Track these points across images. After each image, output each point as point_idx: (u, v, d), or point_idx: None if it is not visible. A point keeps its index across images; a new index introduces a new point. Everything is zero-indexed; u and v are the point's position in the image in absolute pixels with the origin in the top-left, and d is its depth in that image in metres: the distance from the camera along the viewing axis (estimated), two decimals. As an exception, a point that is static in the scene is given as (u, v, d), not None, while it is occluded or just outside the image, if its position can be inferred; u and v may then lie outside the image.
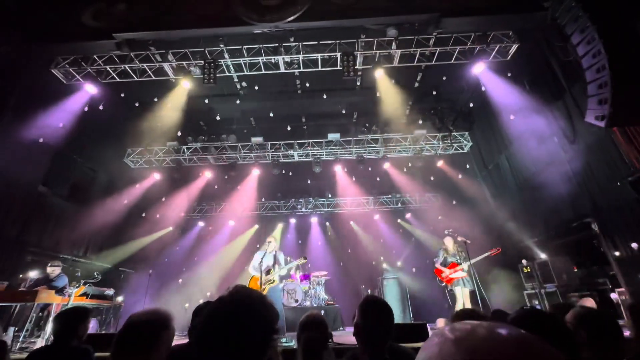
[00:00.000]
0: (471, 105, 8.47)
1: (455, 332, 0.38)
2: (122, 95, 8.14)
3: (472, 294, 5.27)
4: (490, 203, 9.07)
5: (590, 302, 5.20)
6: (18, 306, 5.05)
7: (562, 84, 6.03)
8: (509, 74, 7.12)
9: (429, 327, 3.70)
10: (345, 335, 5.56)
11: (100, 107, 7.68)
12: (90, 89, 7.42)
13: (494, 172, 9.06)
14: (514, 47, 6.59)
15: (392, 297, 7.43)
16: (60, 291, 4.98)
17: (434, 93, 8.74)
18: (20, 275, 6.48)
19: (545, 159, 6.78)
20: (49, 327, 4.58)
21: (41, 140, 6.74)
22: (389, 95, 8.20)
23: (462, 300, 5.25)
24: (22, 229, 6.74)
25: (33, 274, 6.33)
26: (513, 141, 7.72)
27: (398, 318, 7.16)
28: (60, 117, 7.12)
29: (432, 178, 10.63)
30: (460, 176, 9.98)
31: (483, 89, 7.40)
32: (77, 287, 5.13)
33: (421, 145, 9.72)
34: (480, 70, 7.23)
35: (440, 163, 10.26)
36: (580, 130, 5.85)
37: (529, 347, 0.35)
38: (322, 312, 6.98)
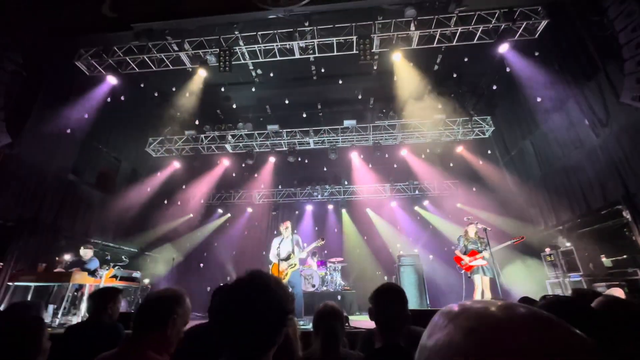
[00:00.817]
0: (494, 87, 8.07)
1: (465, 320, 0.34)
2: (142, 85, 8.34)
3: (492, 282, 5.18)
4: (512, 190, 8.75)
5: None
6: (56, 286, 5.45)
7: (595, 62, 5.61)
8: (537, 53, 6.70)
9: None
10: (361, 320, 5.65)
11: (122, 98, 7.92)
12: (111, 80, 7.64)
13: (517, 158, 8.70)
14: (543, 24, 6.18)
15: (408, 283, 7.41)
16: (92, 273, 5.32)
17: (455, 76, 8.39)
18: (57, 258, 6.95)
19: (573, 143, 6.42)
20: (84, 305, 4.93)
21: (68, 131, 7.05)
22: (407, 79, 7.95)
23: (482, 288, 5.18)
24: (56, 215, 7.17)
25: (68, 257, 6.77)
26: (539, 125, 7.34)
27: (415, 304, 7.17)
28: (84, 108, 7.40)
29: (451, 164, 10.35)
30: (480, 162, 9.66)
31: (507, 70, 7.02)
32: (107, 270, 5.45)
33: (440, 131, 9.43)
34: (505, 50, 6.85)
35: (460, 149, 9.95)
36: (614, 112, 5.47)
37: (550, 329, 0.31)
38: (339, 297, 7.10)
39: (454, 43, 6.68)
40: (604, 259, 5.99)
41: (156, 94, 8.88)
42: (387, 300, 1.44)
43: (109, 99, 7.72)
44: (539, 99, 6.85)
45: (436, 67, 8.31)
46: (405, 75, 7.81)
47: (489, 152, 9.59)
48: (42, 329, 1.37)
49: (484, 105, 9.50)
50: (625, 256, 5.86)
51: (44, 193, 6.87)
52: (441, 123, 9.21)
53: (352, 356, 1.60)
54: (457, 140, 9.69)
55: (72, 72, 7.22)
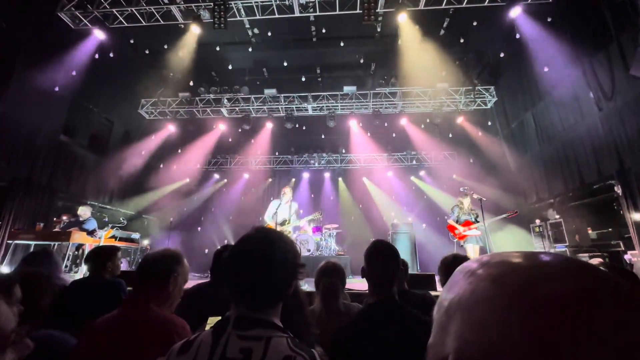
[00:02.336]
0: (502, 55, 7.77)
1: (490, 268, 0.31)
2: (132, 42, 7.88)
3: (482, 251, 5.38)
4: (509, 163, 8.79)
5: (599, 262, 5.24)
6: (56, 245, 5.53)
7: (609, 30, 5.37)
8: (549, 19, 6.37)
9: (436, 278, 3.87)
10: (354, 282, 5.91)
11: (111, 55, 7.50)
12: (98, 35, 7.19)
13: (516, 130, 8.63)
14: (560, -14, 5.80)
15: (401, 250, 7.62)
16: (90, 233, 5.39)
17: (462, 41, 8.02)
18: (55, 219, 7.01)
19: (575, 117, 6.34)
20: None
21: (56, 89, 6.75)
22: (411, 44, 7.59)
23: (473, 256, 5.38)
24: (51, 176, 7.10)
25: (65, 217, 6.82)
26: (543, 97, 7.19)
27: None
28: (72, 65, 7.03)
29: (450, 135, 10.26)
30: (480, 134, 9.58)
31: (517, 36, 6.71)
32: (105, 231, 5.52)
33: (442, 100, 9.22)
34: (517, 14, 6.49)
35: (460, 120, 9.81)
36: (621, 86, 5.34)
37: (584, 273, 0.28)
38: (333, 261, 7.37)
39: (464, 5, 6.30)
40: (590, 231, 6.21)
41: (147, 52, 8.41)
42: (379, 257, 1.43)
43: (97, 56, 7.32)
44: (546, 69, 6.64)
45: (442, 31, 7.91)
46: (410, 39, 7.44)
47: (489, 123, 9.48)
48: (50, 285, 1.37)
49: (489, 74, 9.22)
50: (610, 229, 6.07)
51: (36, 154, 6.73)
52: (443, 92, 8.98)
53: (352, 308, 1.67)
54: (458, 111, 9.51)
55: (56, 24, 6.75)
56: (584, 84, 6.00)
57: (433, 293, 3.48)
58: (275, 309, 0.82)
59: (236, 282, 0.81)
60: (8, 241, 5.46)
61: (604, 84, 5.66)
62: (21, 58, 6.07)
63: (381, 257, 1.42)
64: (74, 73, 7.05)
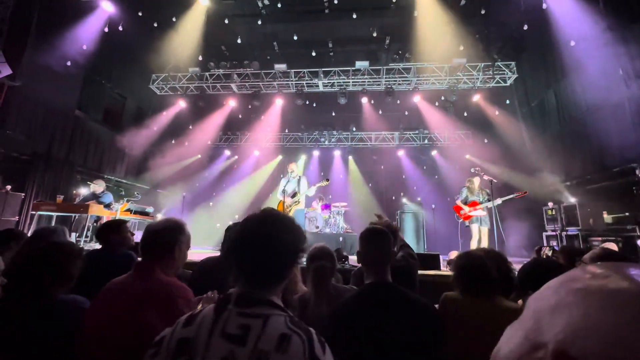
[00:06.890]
0: (525, 27, 7.27)
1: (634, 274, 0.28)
2: (140, 14, 7.73)
3: (490, 232, 5.35)
4: (526, 144, 8.49)
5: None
6: (76, 216, 5.81)
7: (647, -1, 4.92)
8: (581, -13, 5.88)
9: (441, 258, 3.92)
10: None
11: (120, 28, 7.42)
12: (106, 7, 7.09)
13: (536, 109, 8.24)
14: (596, -51, 5.29)
15: (408, 229, 7.74)
16: (107, 206, 5.60)
17: (483, 12, 7.53)
18: (74, 191, 7.31)
19: (601, 95, 5.97)
20: (103, 235, 5.30)
21: (68, 63, 6.78)
22: (429, 15, 7.18)
23: (479, 236, 5.36)
24: (68, 151, 7.32)
25: (84, 191, 7.09)
26: (567, 74, 6.77)
27: (413, 248, 7.58)
28: (82, 39, 7.02)
29: (465, 114, 9.91)
30: (497, 113, 9.21)
31: (544, 6, 6.25)
32: (121, 204, 5.74)
33: (458, 77, 8.82)
34: (545, -19, 6.01)
35: (476, 98, 9.41)
36: (654, 61, 4.98)
37: None
38: (341, 238, 7.49)
39: (488, -29, 5.85)
40: (605, 216, 6.05)
41: (155, 25, 8.27)
42: (371, 242, 1.47)
43: (106, 29, 7.25)
44: (572, 43, 6.21)
45: (463, 1, 7.42)
46: (428, 10, 7.03)
47: (508, 101, 9.08)
48: (71, 255, 1.45)
49: (510, 49, 8.70)
50: (627, 214, 5.89)
51: (53, 128, 6.91)
52: (460, 68, 8.57)
53: (342, 290, 1.72)
54: (475, 88, 9.11)
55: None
56: (613, 59, 5.60)
57: (436, 273, 3.53)
58: (276, 288, 0.85)
59: (238, 260, 0.84)
60: (32, 212, 5.76)
61: (635, 59, 5.27)
62: (33, 32, 6.08)
63: (371, 241, 1.46)
64: (85, 47, 7.04)
